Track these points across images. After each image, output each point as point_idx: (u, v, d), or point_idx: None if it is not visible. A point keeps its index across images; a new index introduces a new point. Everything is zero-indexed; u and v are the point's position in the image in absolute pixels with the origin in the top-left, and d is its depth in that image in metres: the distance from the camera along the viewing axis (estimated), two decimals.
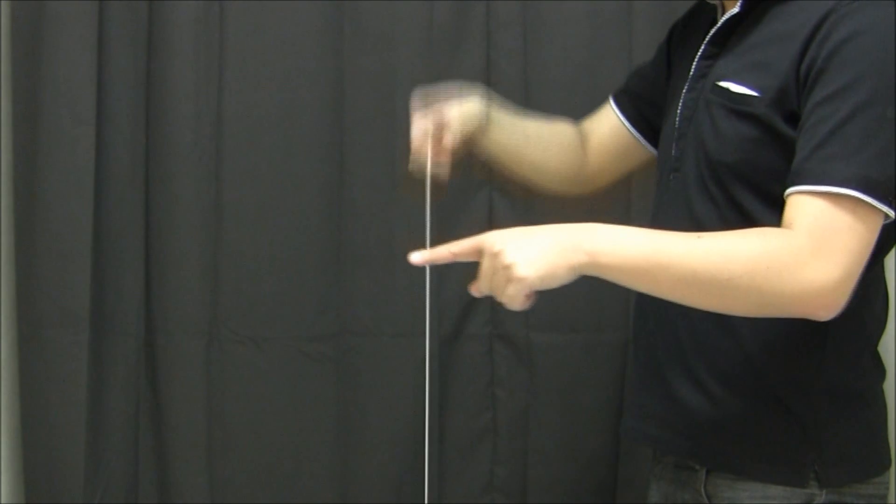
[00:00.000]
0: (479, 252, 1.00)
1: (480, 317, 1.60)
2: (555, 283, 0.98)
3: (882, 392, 1.12)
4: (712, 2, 1.18)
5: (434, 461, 1.58)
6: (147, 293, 1.59)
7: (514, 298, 0.98)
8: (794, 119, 1.01)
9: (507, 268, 0.96)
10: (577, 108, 1.46)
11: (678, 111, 1.15)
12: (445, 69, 1.56)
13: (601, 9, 1.57)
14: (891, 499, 1.12)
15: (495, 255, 0.98)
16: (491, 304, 1.60)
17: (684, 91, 1.15)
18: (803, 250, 0.94)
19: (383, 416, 1.58)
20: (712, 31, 1.13)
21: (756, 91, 1.03)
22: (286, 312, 1.59)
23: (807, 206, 0.96)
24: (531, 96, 1.56)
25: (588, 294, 1.54)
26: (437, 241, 1.53)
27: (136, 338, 1.60)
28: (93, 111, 1.54)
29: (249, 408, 1.59)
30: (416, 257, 1.05)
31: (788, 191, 0.98)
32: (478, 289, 1.02)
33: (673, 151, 1.15)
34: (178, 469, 1.59)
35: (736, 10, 1.09)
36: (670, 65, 1.29)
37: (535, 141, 1.36)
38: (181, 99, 1.56)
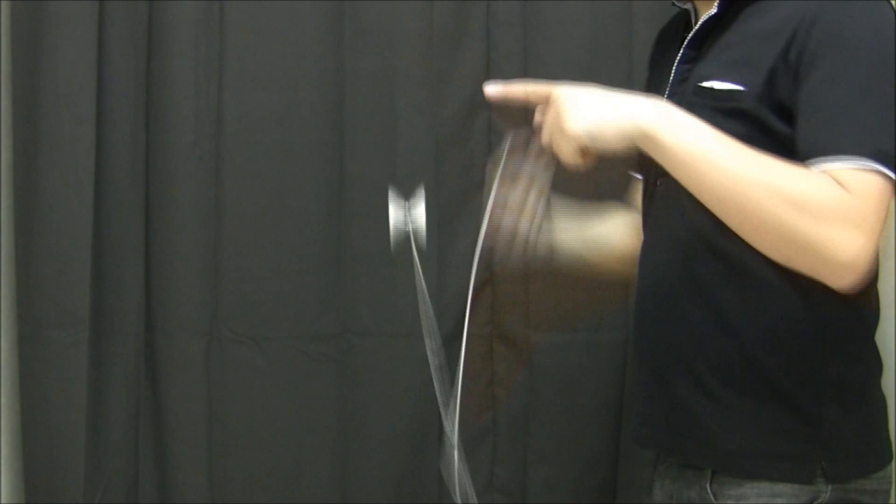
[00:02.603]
0: (547, 100, 1.04)
1: (480, 317, 1.60)
2: (604, 143, 1.01)
3: (880, 385, 1.12)
4: (684, 6, 1.19)
5: (434, 461, 1.58)
6: (147, 293, 1.59)
7: (564, 151, 1.02)
8: (783, 113, 1.01)
9: (560, 117, 1.01)
10: None
11: None
12: (445, 69, 1.57)
13: (601, 9, 1.58)
14: (892, 493, 1.12)
15: (555, 103, 1.02)
16: (491, 304, 1.60)
17: (665, 96, 1.14)
18: (851, 210, 0.94)
19: (384, 416, 1.58)
20: (690, 34, 1.13)
21: (741, 85, 1.03)
22: (287, 312, 1.59)
23: (838, 175, 0.95)
24: None
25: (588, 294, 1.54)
26: (438, 241, 1.56)
27: (136, 338, 1.60)
28: (93, 111, 1.54)
29: (249, 408, 1.59)
30: (492, 89, 1.09)
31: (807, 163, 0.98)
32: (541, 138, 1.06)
33: None
34: (178, 469, 1.59)
35: (713, 10, 1.09)
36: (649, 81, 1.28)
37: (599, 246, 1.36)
38: (181, 99, 1.56)
